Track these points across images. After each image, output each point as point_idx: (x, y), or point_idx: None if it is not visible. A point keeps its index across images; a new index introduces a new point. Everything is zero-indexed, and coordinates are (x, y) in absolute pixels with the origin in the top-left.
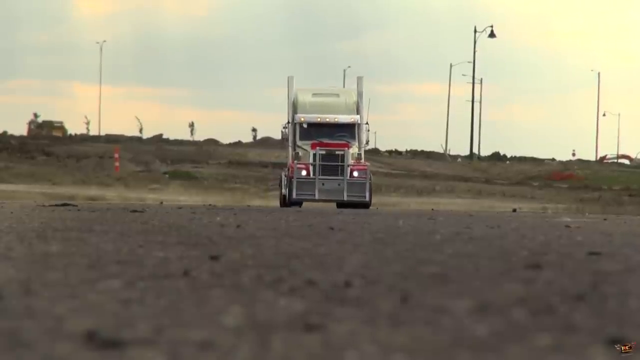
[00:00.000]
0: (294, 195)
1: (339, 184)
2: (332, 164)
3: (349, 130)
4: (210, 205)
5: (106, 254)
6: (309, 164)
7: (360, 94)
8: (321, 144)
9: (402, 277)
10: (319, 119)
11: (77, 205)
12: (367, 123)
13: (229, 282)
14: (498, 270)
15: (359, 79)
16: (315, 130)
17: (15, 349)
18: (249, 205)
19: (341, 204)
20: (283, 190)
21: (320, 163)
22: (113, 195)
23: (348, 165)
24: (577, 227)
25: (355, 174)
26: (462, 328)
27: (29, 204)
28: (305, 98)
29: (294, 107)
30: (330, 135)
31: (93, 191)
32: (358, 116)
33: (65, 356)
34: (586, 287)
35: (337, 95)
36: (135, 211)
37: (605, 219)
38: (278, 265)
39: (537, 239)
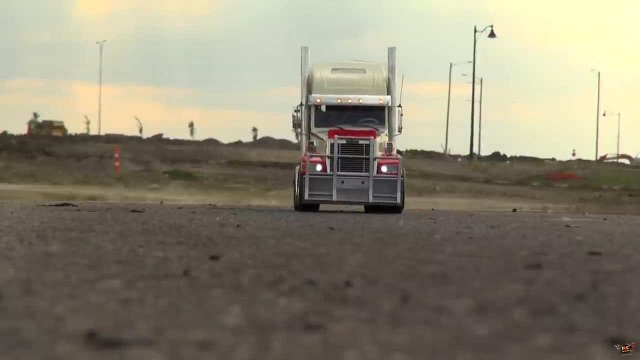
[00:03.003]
0: (306, 196)
1: (362, 182)
2: (354, 157)
3: (377, 115)
4: (210, 205)
5: (106, 254)
6: (325, 156)
7: (392, 69)
8: (341, 132)
9: (402, 277)
10: (339, 101)
11: (77, 205)
12: (399, 105)
13: (229, 282)
14: (498, 270)
15: (391, 51)
16: (335, 115)
17: (15, 349)
18: (249, 205)
19: (368, 207)
20: (296, 190)
21: (340, 155)
22: (113, 195)
23: (375, 159)
24: (577, 227)
25: (384, 169)
26: (462, 328)
27: (29, 203)
28: (322, 74)
29: (309, 86)
30: (353, 121)
31: (93, 191)
32: (389, 97)
33: (65, 356)
34: (586, 287)
35: (363, 70)
36: (135, 211)
37: (605, 219)
38: (278, 265)
39: (537, 238)
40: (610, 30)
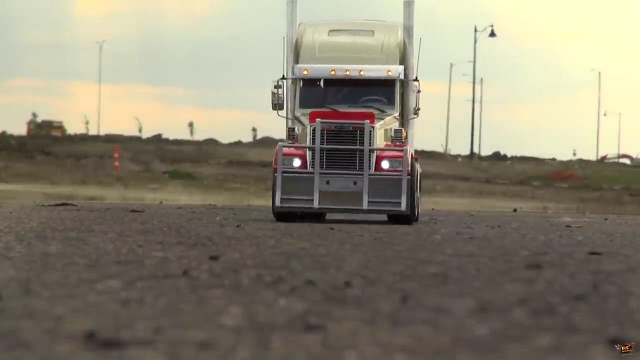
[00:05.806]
0: (278, 202)
1: (355, 183)
2: (344, 148)
3: (385, 92)
4: (210, 205)
5: (105, 254)
6: (304, 148)
7: (408, 30)
8: (326, 115)
9: (402, 278)
10: (332, 72)
11: (76, 205)
12: (416, 79)
13: (228, 282)
14: (499, 270)
15: (407, 5)
16: (332, 92)
17: (15, 349)
18: (249, 205)
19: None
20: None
21: (324, 146)
22: (113, 195)
23: (373, 150)
24: (578, 227)
25: (385, 164)
26: (463, 328)
27: (29, 203)
28: (315, 37)
29: (296, 52)
30: (353, 100)
31: (93, 191)
32: (400, 67)
33: (65, 356)
34: (587, 288)
35: (371, 32)
36: (134, 211)
37: (606, 219)
38: (278, 265)
39: (537, 238)
40: (610, 30)
